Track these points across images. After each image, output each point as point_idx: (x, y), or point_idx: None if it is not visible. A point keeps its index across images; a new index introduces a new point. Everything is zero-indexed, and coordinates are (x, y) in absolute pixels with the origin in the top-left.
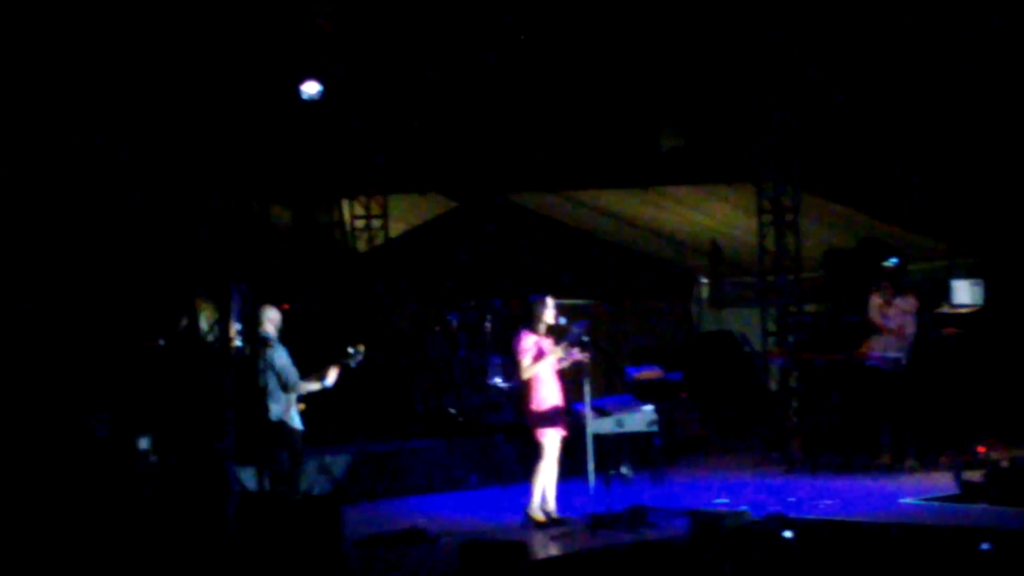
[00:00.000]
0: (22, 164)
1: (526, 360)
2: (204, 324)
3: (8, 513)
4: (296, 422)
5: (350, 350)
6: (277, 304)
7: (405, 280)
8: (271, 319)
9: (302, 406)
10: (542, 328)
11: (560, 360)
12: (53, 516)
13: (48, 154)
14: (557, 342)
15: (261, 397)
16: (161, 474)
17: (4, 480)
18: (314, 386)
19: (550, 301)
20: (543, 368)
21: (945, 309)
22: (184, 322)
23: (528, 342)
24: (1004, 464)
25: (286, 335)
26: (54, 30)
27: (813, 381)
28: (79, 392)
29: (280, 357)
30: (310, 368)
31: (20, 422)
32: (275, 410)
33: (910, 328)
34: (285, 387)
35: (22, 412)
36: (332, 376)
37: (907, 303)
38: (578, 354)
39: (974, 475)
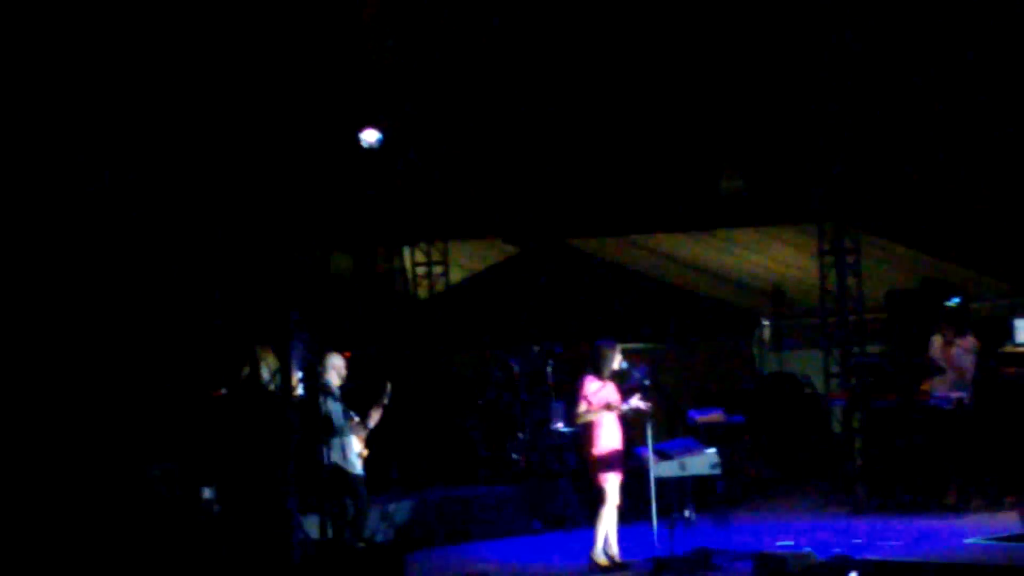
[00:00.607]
0: (88, 214)
1: (582, 407)
2: (266, 373)
3: (75, 563)
4: (356, 468)
5: (385, 387)
6: (339, 351)
7: (466, 326)
8: (335, 366)
9: (365, 452)
10: (607, 373)
11: (621, 406)
12: (117, 567)
13: (114, 205)
14: (619, 387)
15: (320, 445)
16: (225, 523)
17: (73, 530)
18: (360, 431)
19: (618, 347)
20: (601, 414)
21: (1008, 348)
22: (246, 371)
23: (591, 387)
24: None
25: (348, 382)
26: (125, 77)
27: (876, 423)
28: (144, 443)
29: (328, 404)
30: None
31: (87, 473)
32: (333, 456)
33: (969, 366)
34: (333, 432)
35: (89, 463)
36: (374, 418)
37: (967, 343)
38: (639, 403)
39: None
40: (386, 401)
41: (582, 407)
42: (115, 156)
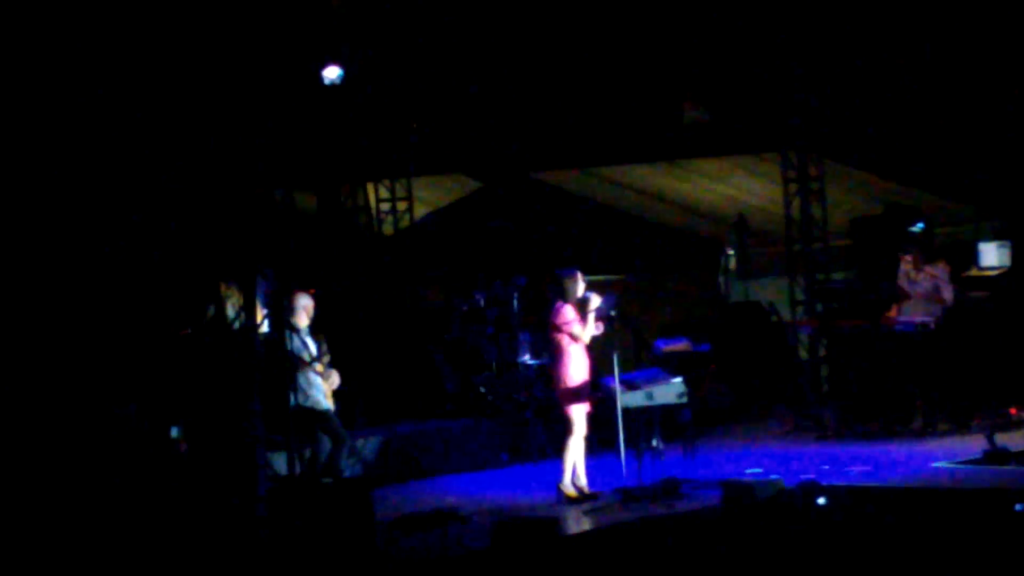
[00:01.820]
0: (50, 153)
1: (577, 328)
2: (231, 311)
3: (41, 504)
4: (322, 404)
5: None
6: (304, 289)
7: (431, 261)
8: (304, 307)
9: (336, 382)
10: (571, 301)
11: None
12: (85, 506)
13: (76, 144)
14: (582, 315)
15: (286, 382)
16: (192, 461)
17: (37, 472)
18: (315, 375)
19: (579, 275)
20: (579, 341)
21: (972, 272)
22: (211, 310)
23: (571, 313)
24: None
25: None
26: (85, 17)
27: (842, 349)
28: (109, 383)
29: (295, 341)
30: (337, 351)
31: (52, 414)
32: (298, 396)
33: (948, 293)
34: (296, 370)
35: (54, 404)
36: (318, 367)
37: (937, 269)
38: (598, 328)
39: (1006, 437)
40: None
41: (576, 328)
42: (79, 94)
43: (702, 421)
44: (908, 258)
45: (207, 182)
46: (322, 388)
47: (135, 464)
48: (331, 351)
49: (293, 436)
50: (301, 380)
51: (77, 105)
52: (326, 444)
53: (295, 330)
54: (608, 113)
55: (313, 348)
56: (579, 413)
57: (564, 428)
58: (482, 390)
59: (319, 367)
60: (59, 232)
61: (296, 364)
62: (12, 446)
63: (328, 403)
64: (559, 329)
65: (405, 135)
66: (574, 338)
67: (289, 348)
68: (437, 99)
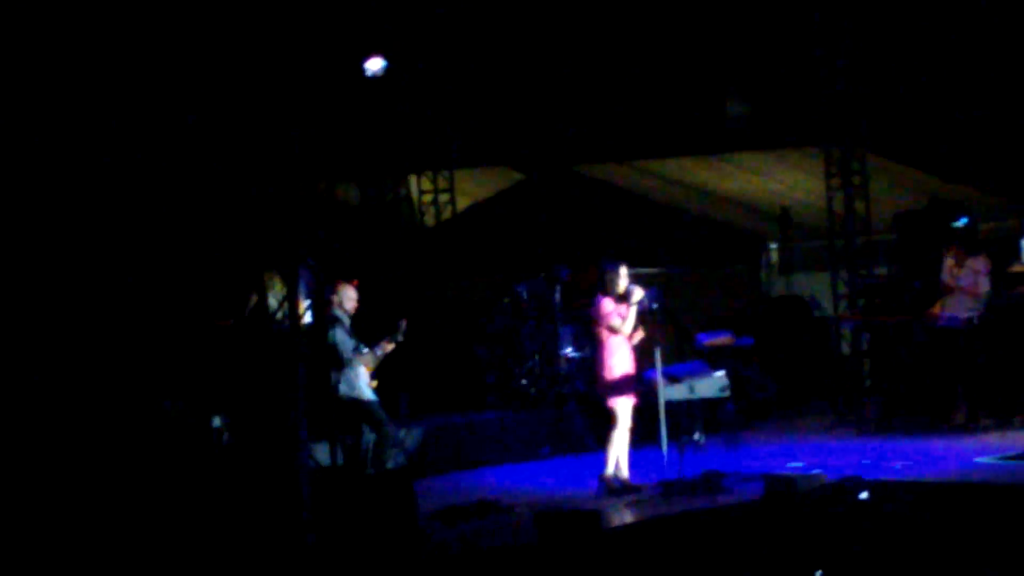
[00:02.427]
0: (98, 142)
1: (616, 321)
2: (273, 301)
3: (87, 495)
4: (366, 394)
5: (400, 325)
6: (347, 280)
7: (473, 253)
8: (349, 298)
9: (373, 383)
10: (614, 294)
11: (633, 332)
12: (129, 497)
13: (124, 133)
14: (626, 308)
15: (330, 373)
16: (235, 452)
17: (84, 464)
18: (367, 357)
19: (623, 269)
20: (619, 334)
21: (1016, 267)
22: (254, 300)
23: (609, 306)
24: None
25: (358, 312)
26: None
27: (885, 343)
28: (153, 374)
29: (336, 333)
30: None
31: (97, 406)
32: (342, 389)
33: (984, 287)
34: (340, 362)
35: (98, 396)
36: (386, 348)
37: (979, 263)
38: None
39: None
40: (400, 338)
41: (616, 322)
42: (122, 85)
43: (744, 414)
44: (951, 253)
45: (251, 173)
46: (366, 379)
47: (177, 454)
48: (364, 349)
49: (336, 427)
50: (347, 370)
51: (127, 93)
52: (368, 435)
53: (338, 321)
54: (651, 107)
55: (352, 341)
56: (623, 406)
57: (608, 420)
58: (524, 382)
59: (371, 364)
60: (105, 223)
61: (340, 355)
62: (53, 438)
63: (371, 394)
64: (598, 322)
65: (448, 127)
66: (613, 331)
67: (332, 339)
68: (481, 91)
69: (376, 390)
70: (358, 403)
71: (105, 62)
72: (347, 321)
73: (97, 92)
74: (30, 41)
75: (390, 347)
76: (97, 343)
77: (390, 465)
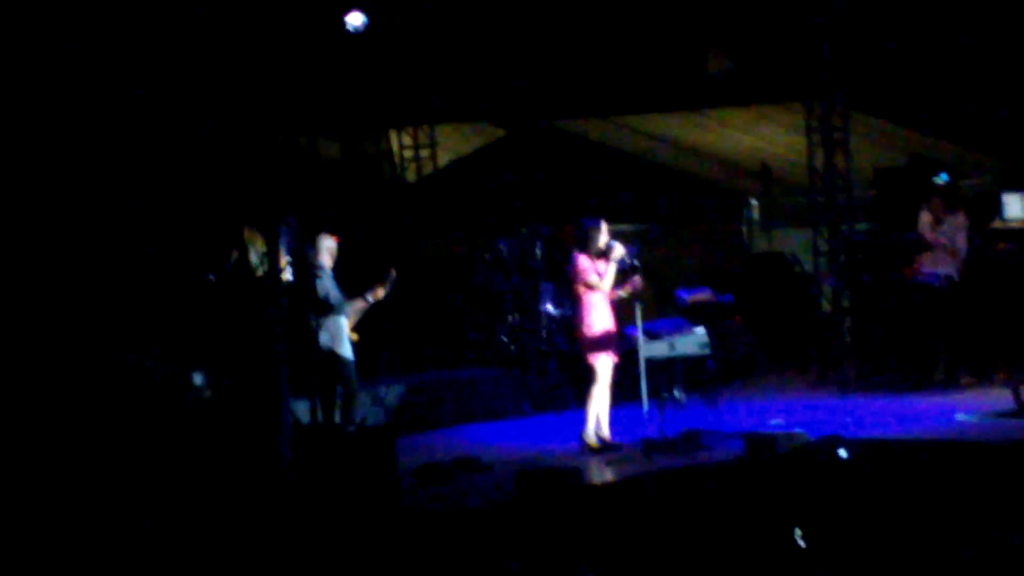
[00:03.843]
0: (76, 103)
1: (593, 278)
2: (254, 257)
3: (65, 452)
4: (347, 351)
5: (390, 274)
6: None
7: (454, 209)
8: (328, 248)
9: (354, 336)
10: (594, 252)
11: (618, 288)
12: (108, 454)
13: (100, 92)
14: (607, 264)
15: (312, 328)
16: (215, 409)
17: (61, 420)
18: (358, 304)
19: (604, 225)
20: (598, 291)
21: (997, 224)
22: (234, 256)
23: (584, 263)
24: None
25: (337, 266)
26: None
27: (865, 300)
28: (132, 330)
29: (324, 284)
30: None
31: (74, 361)
32: (324, 339)
33: (962, 244)
34: (330, 309)
35: (76, 352)
36: (379, 293)
37: (958, 219)
38: (637, 282)
39: None
40: (389, 288)
41: (593, 278)
42: (97, 40)
43: (724, 372)
44: (930, 209)
45: (231, 129)
46: (347, 334)
47: (157, 410)
48: (352, 298)
49: (317, 384)
50: (332, 321)
51: (101, 50)
52: (338, 395)
53: (321, 269)
54: (632, 62)
55: (337, 291)
56: (603, 363)
57: (588, 378)
58: (504, 339)
59: (353, 318)
60: (84, 177)
61: (328, 302)
62: (27, 393)
63: (350, 352)
64: (576, 279)
65: (429, 82)
66: (590, 287)
67: (320, 288)
68: (461, 47)
69: (355, 345)
70: (336, 356)
71: (82, 17)
72: (328, 272)
73: (76, 46)
74: None
75: (381, 294)
76: (73, 297)
77: (370, 423)
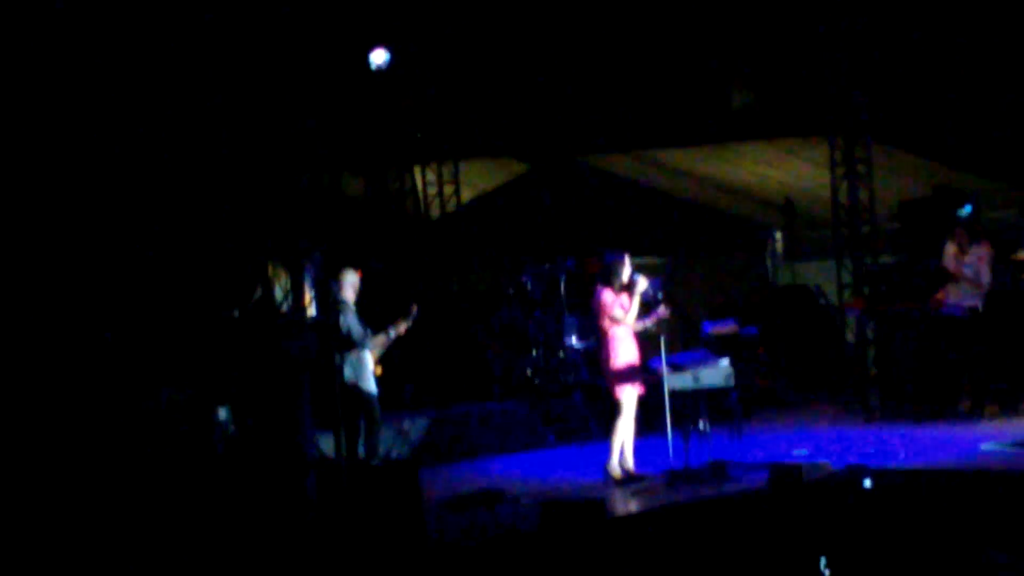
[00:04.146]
0: (109, 135)
1: (618, 312)
2: (279, 293)
3: (87, 487)
4: (370, 385)
5: (412, 308)
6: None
7: (479, 244)
8: (351, 283)
9: (378, 370)
10: (618, 286)
11: (644, 319)
12: (132, 489)
13: (131, 121)
14: (630, 298)
15: (335, 362)
16: (240, 444)
17: (85, 455)
18: (381, 339)
19: (627, 259)
20: (625, 323)
21: (1021, 255)
22: (259, 292)
23: (608, 297)
24: None
25: (361, 301)
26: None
27: (890, 331)
28: (158, 366)
29: (346, 319)
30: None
31: (100, 396)
32: (347, 373)
33: (986, 276)
34: (352, 345)
35: (102, 387)
36: (401, 328)
37: (982, 250)
38: (662, 311)
39: None
40: (411, 323)
41: (618, 312)
42: (126, 79)
43: (749, 403)
44: (954, 240)
45: (257, 165)
46: (371, 369)
47: (182, 446)
48: (375, 333)
49: (341, 417)
50: (355, 356)
51: (136, 84)
52: (362, 428)
53: (345, 304)
54: (656, 97)
55: (359, 327)
56: (629, 395)
57: (612, 410)
58: (529, 372)
59: (377, 352)
60: (113, 214)
61: (351, 337)
62: (60, 432)
63: (374, 386)
64: (600, 313)
65: (453, 118)
66: (616, 321)
67: (343, 323)
68: (485, 82)
69: (379, 379)
70: (359, 391)
71: (115, 53)
72: (352, 307)
73: (106, 83)
74: (43, 35)
75: (403, 328)
76: (103, 336)
77: (395, 456)
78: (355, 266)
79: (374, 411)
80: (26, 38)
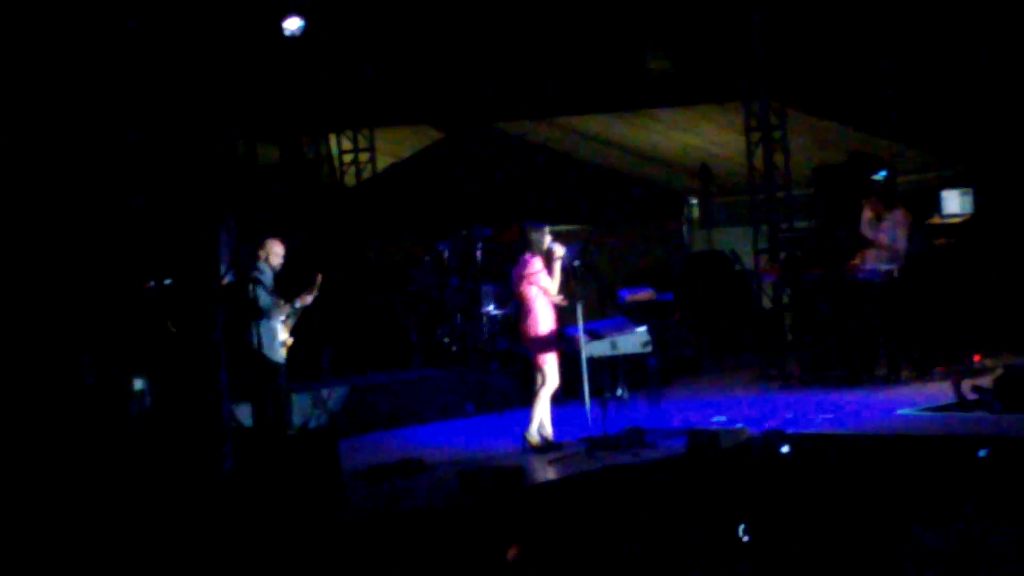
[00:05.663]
0: (17, 101)
1: (546, 280)
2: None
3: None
4: (277, 355)
5: (316, 279)
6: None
7: (394, 212)
8: (276, 253)
9: (289, 341)
10: (537, 253)
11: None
12: (44, 462)
13: (38, 91)
14: (548, 266)
15: (249, 332)
16: (156, 414)
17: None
18: (286, 309)
19: (546, 228)
20: (549, 293)
21: (936, 220)
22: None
23: (538, 265)
24: (999, 371)
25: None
26: None
27: (806, 297)
28: (73, 336)
29: (256, 288)
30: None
31: (13, 366)
32: (255, 342)
33: (901, 242)
34: (258, 314)
35: (11, 359)
36: (306, 299)
37: (897, 216)
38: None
39: (969, 384)
40: (316, 292)
41: (546, 280)
42: (34, 44)
43: (666, 370)
44: (870, 206)
45: (169, 134)
46: (280, 340)
47: (97, 415)
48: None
49: (258, 386)
50: (262, 326)
51: (42, 46)
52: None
53: (259, 281)
54: (571, 63)
55: (267, 296)
56: (552, 363)
57: (533, 378)
58: (446, 341)
59: (289, 321)
60: (24, 184)
61: (259, 307)
62: None
63: (280, 357)
64: (529, 281)
65: (367, 86)
66: (544, 289)
67: (253, 295)
68: (399, 49)
69: (291, 349)
70: (267, 362)
71: (21, 18)
72: (270, 276)
73: (16, 47)
74: None
75: (308, 299)
76: (11, 306)
77: (312, 425)
78: (274, 235)
79: (279, 382)
80: None
